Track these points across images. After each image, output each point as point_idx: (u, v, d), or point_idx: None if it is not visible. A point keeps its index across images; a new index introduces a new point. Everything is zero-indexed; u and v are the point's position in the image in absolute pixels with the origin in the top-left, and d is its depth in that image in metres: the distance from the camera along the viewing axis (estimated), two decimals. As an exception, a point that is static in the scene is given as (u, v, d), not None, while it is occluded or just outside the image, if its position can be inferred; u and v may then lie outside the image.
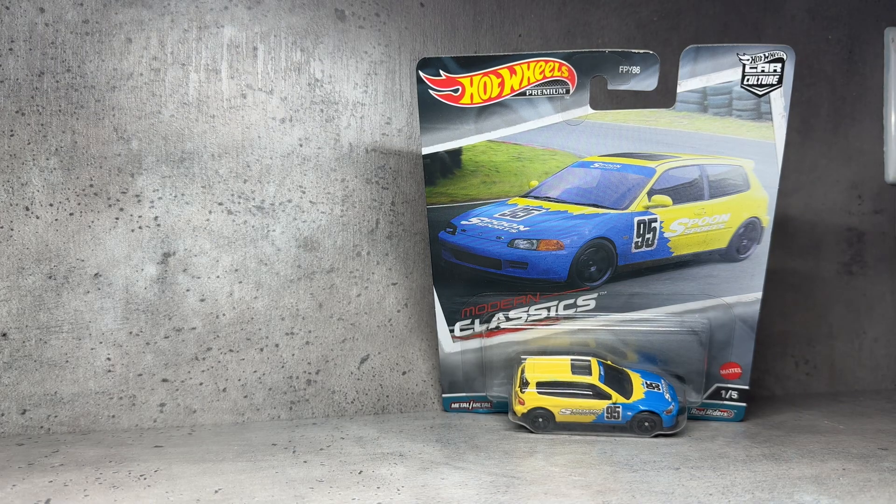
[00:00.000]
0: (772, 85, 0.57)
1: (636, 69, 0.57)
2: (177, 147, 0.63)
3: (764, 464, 0.52)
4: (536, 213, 0.60)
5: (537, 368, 0.59)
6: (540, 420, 0.59)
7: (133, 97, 0.62)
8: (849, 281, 0.76)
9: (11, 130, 0.60)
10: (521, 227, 0.60)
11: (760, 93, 0.57)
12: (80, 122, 0.61)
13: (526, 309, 0.62)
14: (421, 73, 0.58)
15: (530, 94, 0.58)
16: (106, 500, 0.44)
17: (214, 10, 0.63)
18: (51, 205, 0.60)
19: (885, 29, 0.75)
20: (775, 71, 0.56)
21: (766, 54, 0.56)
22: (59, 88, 0.60)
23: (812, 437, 0.59)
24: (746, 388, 0.62)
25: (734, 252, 0.60)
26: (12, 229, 0.60)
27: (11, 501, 0.44)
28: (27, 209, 0.60)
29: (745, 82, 0.57)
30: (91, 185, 0.61)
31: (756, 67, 0.56)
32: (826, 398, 0.70)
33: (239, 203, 0.64)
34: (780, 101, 0.57)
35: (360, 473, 0.49)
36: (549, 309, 0.62)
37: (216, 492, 0.46)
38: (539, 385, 0.58)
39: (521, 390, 0.59)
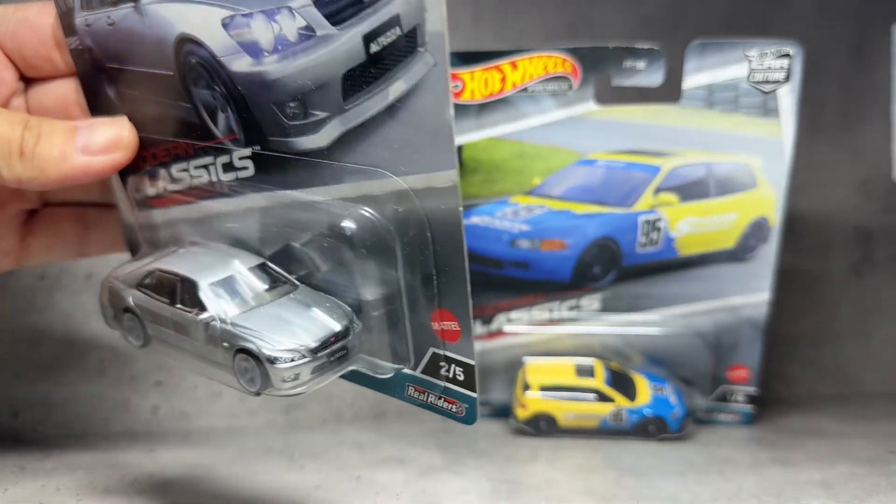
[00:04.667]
0: (779, 81, 0.56)
1: (641, 64, 0.56)
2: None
3: (771, 468, 0.51)
4: (539, 211, 0.59)
5: (540, 371, 0.59)
6: (542, 424, 0.58)
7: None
8: (857, 281, 0.75)
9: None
10: (524, 227, 0.59)
11: (767, 89, 0.56)
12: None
13: (528, 310, 0.61)
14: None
15: (533, 90, 0.57)
16: (98, 505, 0.44)
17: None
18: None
19: (893, 25, 0.75)
20: (782, 67, 0.55)
21: (773, 50, 0.55)
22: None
23: (820, 440, 0.58)
24: (754, 390, 0.61)
25: (741, 252, 0.60)
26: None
27: (3, 506, 0.44)
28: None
29: (751, 78, 0.56)
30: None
31: (763, 63, 0.55)
32: (834, 401, 0.70)
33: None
34: (787, 98, 0.56)
35: (358, 479, 0.49)
36: (551, 310, 0.61)
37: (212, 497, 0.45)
38: (542, 388, 0.57)
39: (523, 394, 0.58)
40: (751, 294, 0.60)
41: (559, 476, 0.50)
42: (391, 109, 0.34)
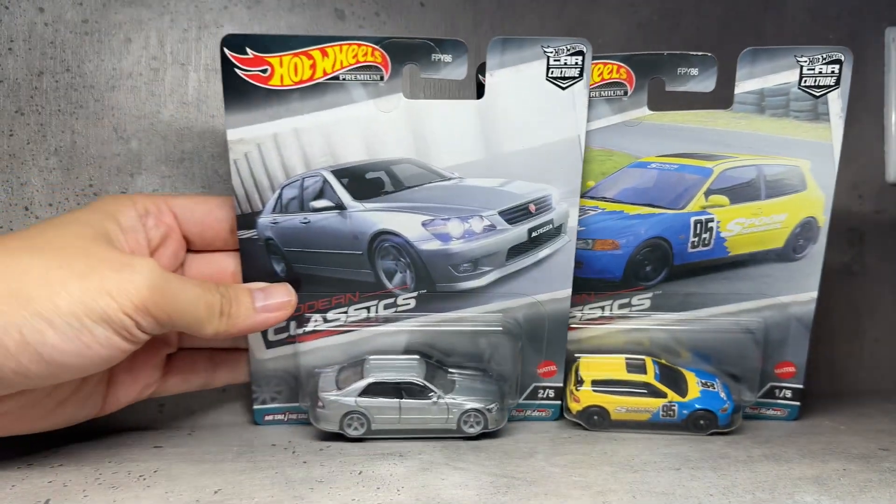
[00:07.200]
0: (829, 86, 0.57)
1: (694, 71, 0.57)
2: (176, 147, 0.63)
3: (765, 464, 0.52)
4: (592, 212, 0.60)
5: (592, 367, 0.60)
6: (595, 418, 0.59)
7: (132, 97, 0.62)
8: (850, 281, 0.76)
9: (11, 130, 0.60)
10: (578, 227, 0.60)
11: (818, 94, 0.57)
12: (79, 122, 0.61)
13: (581, 308, 0.62)
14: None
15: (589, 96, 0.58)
16: (105, 501, 0.44)
17: (214, 10, 0.63)
18: (50, 205, 0.60)
19: (886, 29, 0.75)
20: (833, 72, 0.57)
21: (824, 56, 0.56)
22: (58, 88, 0.60)
23: (813, 437, 0.59)
24: (801, 386, 0.63)
25: (790, 251, 0.61)
26: (12, 229, 0.59)
27: (11, 502, 0.44)
28: (26, 209, 0.60)
29: (802, 84, 0.57)
30: (90, 185, 0.61)
31: (814, 69, 0.57)
32: (827, 398, 0.70)
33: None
34: (837, 102, 0.57)
35: (359, 474, 0.49)
36: (603, 308, 0.62)
37: (216, 492, 0.46)
38: (594, 383, 0.58)
39: (576, 388, 0.59)
40: (799, 293, 0.61)
41: (556, 471, 0.50)
42: (537, 263, 0.57)
